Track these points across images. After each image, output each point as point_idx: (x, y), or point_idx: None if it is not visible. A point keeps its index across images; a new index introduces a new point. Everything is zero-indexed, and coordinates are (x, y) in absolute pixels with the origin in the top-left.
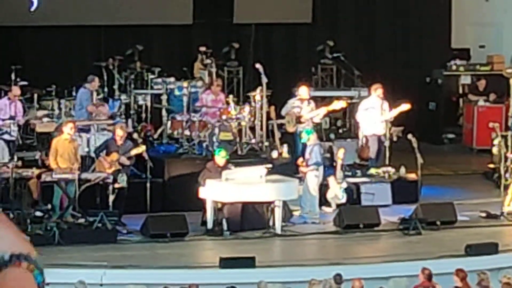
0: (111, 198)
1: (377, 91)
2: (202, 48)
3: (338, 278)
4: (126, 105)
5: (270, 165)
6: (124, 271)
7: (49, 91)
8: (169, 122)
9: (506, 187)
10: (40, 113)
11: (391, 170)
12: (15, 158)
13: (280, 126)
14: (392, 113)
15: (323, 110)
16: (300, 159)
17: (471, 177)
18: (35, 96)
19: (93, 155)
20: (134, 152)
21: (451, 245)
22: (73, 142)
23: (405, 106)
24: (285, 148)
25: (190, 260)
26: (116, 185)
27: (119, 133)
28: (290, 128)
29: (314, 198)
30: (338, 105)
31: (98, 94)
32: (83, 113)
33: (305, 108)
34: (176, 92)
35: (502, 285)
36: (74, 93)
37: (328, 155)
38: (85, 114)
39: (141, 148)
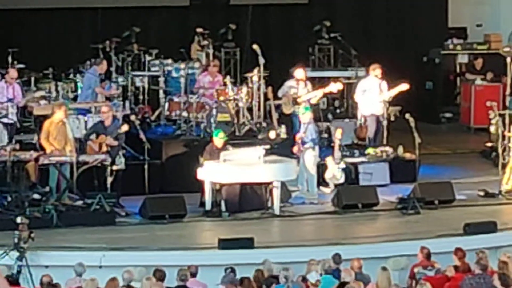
0: (109, 180)
1: (375, 71)
2: (199, 30)
3: (337, 258)
4: (123, 87)
5: (268, 146)
6: (123, 253)
7: (46, 74)
8: (167, 104)
9: (504, 166)
10: (38, 93)
11: (389, 149)
12: (13, 141)
13: (278, 107)
14: (390, 93)
15: (320, 92)
16: (298, 135)
17: (469, 156)
18: (32, 79)
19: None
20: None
21: (449, 224)
22: (64, 124)
23: (404, 86)
24: (283, 128)
25: (188, 242)
26: (114, 167)
27: (104, 110)
28: (287, 110)
29: (313, 178)
30: (334, 87)
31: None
32: (88, 95)
33: (301, 89)
34: (174, 74)
35: (498, 263)
36: (72, 76)
37: (326, 135)
38: (90, 96)
39: (124, 128)
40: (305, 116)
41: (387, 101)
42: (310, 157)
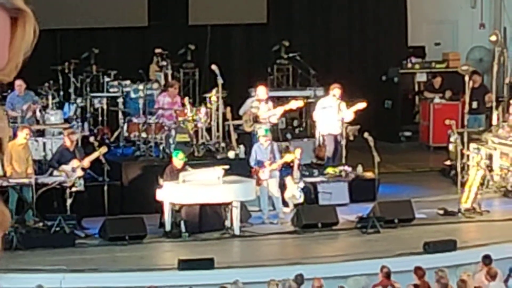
0: (69, 202)
1: (334, 90)
2: (158, 50)
3: (299, 278)
4: (82, 108)
5: (227, 166)
6: (83, 275)
7: (4, 96)
8: (126, 125)
9: (463, 184)
10: None
11: (348, 169)
12: None
13: (237, 127)
14: (349, 112)
15: (281, 109)
16: (267, 161)
17: (428, 174)
18: None
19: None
20: (95, 154)
21: (409, 243)
22: (26, 147)
23: (361, 105)
24: (241, 148)
25: (149, 263)
26: (73, 189)
27: (73, 139)
28: (248, 128)
29: (279, 198)
30: (295, 104)
31: (53, 98)
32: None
33: (263, 107)
34: (132, 95)
35: (457, 282)
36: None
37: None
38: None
39: (103, 149)
40: (265, 138)
41: (346, 122)
42: (277, 177)
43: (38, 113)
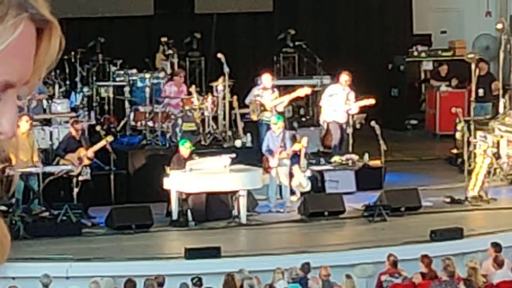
0: (75, 191)
1: (343, 77)
2: (164, 39)
3: (306, 267)
4: (88, 97)
5: (233, 155)
6: (90, 264)
7: None
8: (132, 114)
9: (470, 172)
10: None
11: (355, 157)
12: None
13: (243, 115)
14: (355, 105)
15: (287, 97)
16: (279, 149)
17: (434, 162)
18: None
19: (57, 152)
20: (102, 143)
21: (416, 231)
22: (30, 135)
23: (369, 101)
24: (248, 137)
25: (155, 251)
26: (80, 178)
27: (78, 128)
28: (254, 117)
29: (287, 187)
30: (302, 91)
31: (60, 87)
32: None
33: (268, 96)
34: (139, 84)
35: (468, 270)
36: None
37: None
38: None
39: (109, 138)
40: (277, 126)
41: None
42: (286, 167)
43: (44, 103)
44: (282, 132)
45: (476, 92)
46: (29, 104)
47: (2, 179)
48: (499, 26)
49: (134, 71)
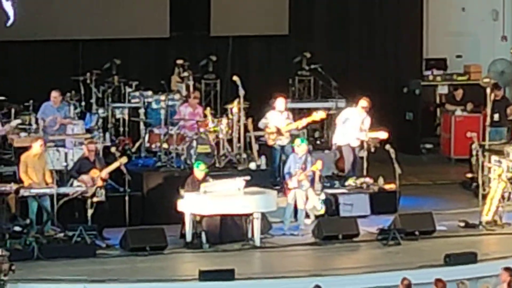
0: (90, 212)
1: (361, 102)
2: (179, 61)
3: None
4: (103, 119)
5: (248, 177)
6: (104, 285)
7: (27, 106)
8: (147, 136)
9: (484, 197)
10: (15, 122)
11: (369, 180)
12: None
13: (258, 138)
14: (367, 135)
15: (303, 121)
16: (299, 171)
17: (449, 186)
18: (13, 111)
19: (70, 173)
20: (115, 165)
21: (430, 255)
22: (42, 157)
23: (383, 135)
24: (263, 159)
25: (169, 273)
26: (95, 199)
27: (92, 149)
28: (270, 141)
29: (303, 211)
30: (317, 116)
31: (75, 108)
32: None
33: (283, 120)
34: (154, 105)
35: None
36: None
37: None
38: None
39: (123, 160)
40: (301, 148)
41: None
42: (305, 189)
43: (67, 128)
44: (305, 155)
45: (491, 117)
46: (47, 125)
47: (16, 199)
48: None
49: (150, 93)
